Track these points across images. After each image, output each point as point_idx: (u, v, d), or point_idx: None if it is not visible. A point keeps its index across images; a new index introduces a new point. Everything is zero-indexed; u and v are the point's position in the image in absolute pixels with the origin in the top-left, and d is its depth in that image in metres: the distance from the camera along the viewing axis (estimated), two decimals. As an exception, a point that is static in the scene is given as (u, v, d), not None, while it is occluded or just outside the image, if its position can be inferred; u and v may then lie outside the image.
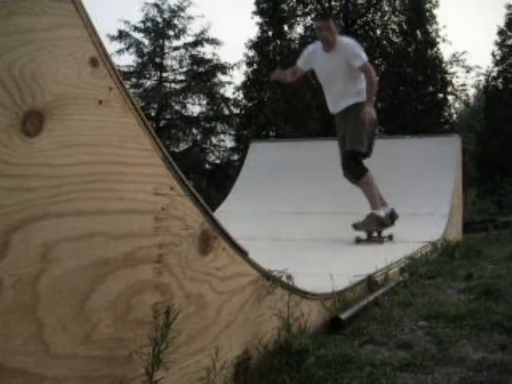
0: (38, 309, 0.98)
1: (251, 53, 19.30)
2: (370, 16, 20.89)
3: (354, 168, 4.73)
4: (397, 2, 20.58)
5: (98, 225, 1.11)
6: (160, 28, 19.11)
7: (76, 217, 1.06)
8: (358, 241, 4.76)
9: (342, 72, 4.68)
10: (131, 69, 18.97)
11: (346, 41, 4.85)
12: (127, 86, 1.21)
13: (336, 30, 4.76)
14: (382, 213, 4.75)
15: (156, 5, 19.11)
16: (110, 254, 1.13)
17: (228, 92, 19.02)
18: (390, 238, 4.89)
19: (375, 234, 4.87)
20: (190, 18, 19.22)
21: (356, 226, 4.79)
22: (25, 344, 0.96)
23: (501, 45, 20.26)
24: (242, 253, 1.63)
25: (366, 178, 4.69)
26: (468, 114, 25.27)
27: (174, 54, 19.46)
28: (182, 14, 19.19)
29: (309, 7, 20.76)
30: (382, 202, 4.86)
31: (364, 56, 4.68)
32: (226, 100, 19.46)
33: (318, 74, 5.00)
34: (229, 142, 19.87)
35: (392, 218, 4.89)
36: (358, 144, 4.69)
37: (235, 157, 19.25)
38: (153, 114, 18.54)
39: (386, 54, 20.14)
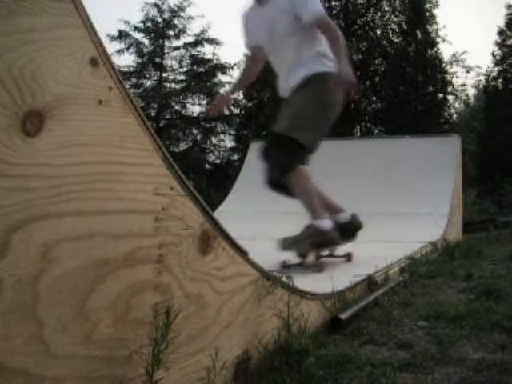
0: (37, 309, 0.98)
1: (251, 53, 19.28)
2: (370, 16, 20.89)
3: (280, 158, 3.01)
4: (397, 2, 20.58)
5: (98, 225, 1.11)
6: (160, 28, 19.14)
7: (76, 217, 1.06)
8: (286, 266, 3.14)
9: (287, 31, 3.03)
10: (131, 69, 19.01)
11: None
12: (127, 86, 1.22)
13: None
14: (326, 224, 3.10)
15: (156, 5, 19.16)
16: (110, 254, 1.13)
17: (228, 92, 18.95)
18: (349, 258, 3.49)
19: (325, 253, 3.40)
20: (189, 18, 19.30)
21: (284, 244, 3.16)
22: (25, 344, 0.96)
23: (501, 45, 20.29)
24: (242, 253, 1.63)
25: (297, 174, 3.04)
26: (468, 113, 25.26)
27: (174, 54, 19.51)
28: (182, 14, 19.25)
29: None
30: (335, 209, 3.34)
31: (317, 5, 3.03)
32: (226, 100, 19.44)
33: (261, 43, 3.25)
34: (229, 142, 19.93)
35: (351, 228, 3.34)
36: (299, 128, 3.01)
37: (235, 157, 19.28)
38: (153, 114, 18.56)
39: (386, 54, 20.14)
